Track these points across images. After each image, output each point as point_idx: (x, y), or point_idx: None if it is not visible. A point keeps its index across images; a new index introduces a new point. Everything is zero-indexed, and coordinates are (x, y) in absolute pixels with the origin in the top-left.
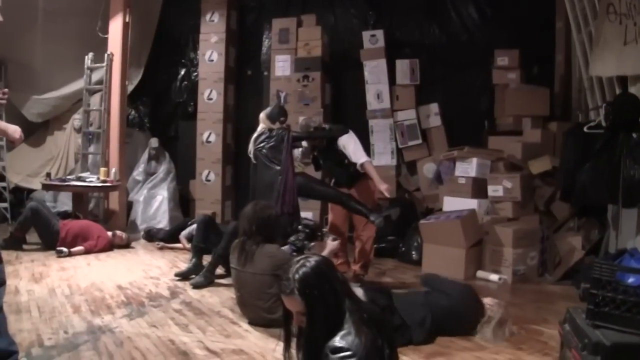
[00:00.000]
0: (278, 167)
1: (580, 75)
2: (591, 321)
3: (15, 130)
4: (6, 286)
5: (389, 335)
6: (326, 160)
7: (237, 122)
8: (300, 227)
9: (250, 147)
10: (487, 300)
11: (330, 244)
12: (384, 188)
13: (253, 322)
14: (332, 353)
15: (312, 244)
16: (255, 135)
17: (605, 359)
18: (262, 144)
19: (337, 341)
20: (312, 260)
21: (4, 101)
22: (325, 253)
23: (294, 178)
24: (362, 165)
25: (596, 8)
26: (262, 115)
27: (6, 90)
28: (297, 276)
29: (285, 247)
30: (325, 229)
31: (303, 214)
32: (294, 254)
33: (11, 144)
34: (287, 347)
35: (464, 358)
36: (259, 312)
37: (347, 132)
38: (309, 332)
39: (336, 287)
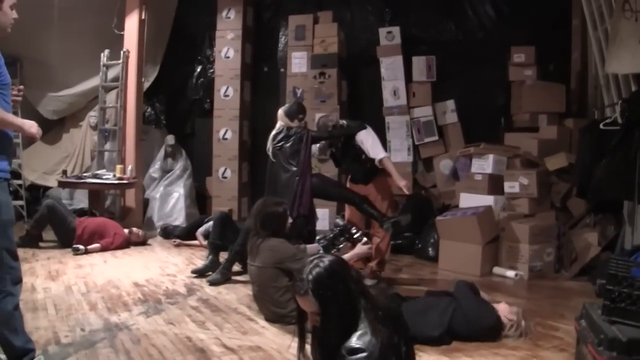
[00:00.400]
0: (295, 169)
1: (596, 72)
2: (607, 317)
3: (31, 126)
4: (22, 284)
5: (405, 333)
6: (343, 156)
7: (254, 119)
8: (335, 225)
9: (269, 145)
10: (506, 314)
11: (361, 247)
12: (402, 184)
13: (267, 318)
14: (348, 354)
15: (341, 245)
16: (273, 132)
17: (621, 354)
18: (280, 143)
19: (354, 342)
20: (326, 261)
21: (19, 98)
22: (348, 255)
23: (311, 180)
24: (380, 161)
25: (612, 5)
26: (280, 113)
27: (22, 87)
28: (310, 277)
29: (314, 245)
30: (360, 232)
31: (319, 211)
32: (321, 251)
33: (30, 139)
34: (301, 347)
35: (481, 354)
36: (269, 306)
37: (364, 128)
38: (323, 332)
39: (350, 287)
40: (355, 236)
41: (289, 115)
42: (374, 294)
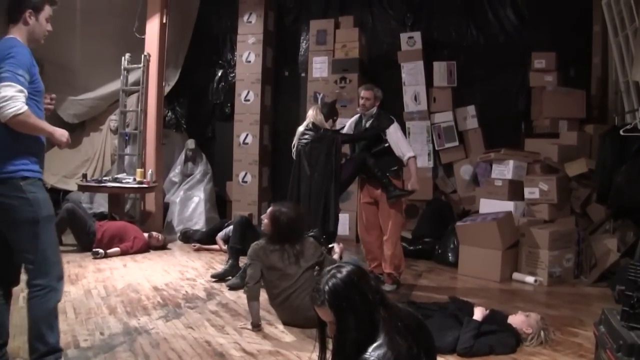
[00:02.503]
0: (320, 174)
1: (616, 78)
2: (626, 323)
3: (62, 134)
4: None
5: (426, 343)
6: (363, 147)
7: (274, 123)
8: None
9: (295, 142)
10: (524, 328)
11: (337, 248)
12: (413, 182)
13: (302, 324)
14: None
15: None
16: (301, 129)
17: None
18: (306, 140)
19: (369, 354)
20: (343, 271)
21: (51, 106)
22: (337, 257)
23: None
24: (407, 160)
25: (633, 12)
26: (313, 113)
27: (54, 95)
28: (327, 287)
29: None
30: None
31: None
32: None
33: (53, 143)
34: (322, 357)
35: (500, 359)
36: (305, 311)
37: (393, 122)
38: (339, 343)
39: (368, 297)
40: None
41: (325, 114)
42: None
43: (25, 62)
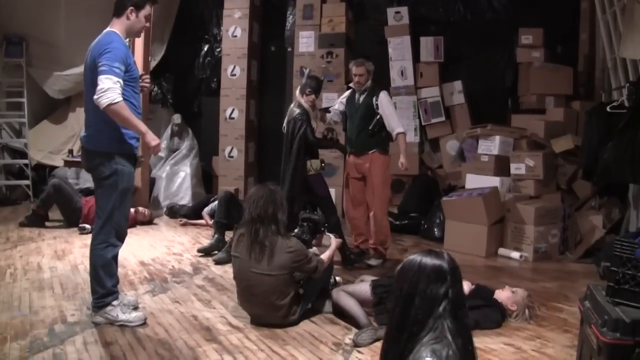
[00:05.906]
0: (290, 156)
1: (604, 55)
2: (611, 298)
3: (153, 138)
4: (125, 239)
5: None
6: (352, 116)
7: (261, 98)
8: (304, 220)
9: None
10: (509, 304)
11: (335, 240)
12: (402, 160)
13: (259, 322)
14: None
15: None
16: (291, 106)
17: (624, 335)
18: (288, 121)
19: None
20: (430, 257)
21: (147, 84)
22: (329, 252)
23: (296, 182)
24: (396, 135)
25: None
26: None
27: (144, 73)
28: (408, 260)
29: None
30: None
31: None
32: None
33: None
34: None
35: (485, 334)
36: (270, 312)
37: (381, 90)
38: (391, 314)
39: (429, 294)
40: (324, 228)
41: (300, 89)
42: (379, 275)
43: (120, 55)
